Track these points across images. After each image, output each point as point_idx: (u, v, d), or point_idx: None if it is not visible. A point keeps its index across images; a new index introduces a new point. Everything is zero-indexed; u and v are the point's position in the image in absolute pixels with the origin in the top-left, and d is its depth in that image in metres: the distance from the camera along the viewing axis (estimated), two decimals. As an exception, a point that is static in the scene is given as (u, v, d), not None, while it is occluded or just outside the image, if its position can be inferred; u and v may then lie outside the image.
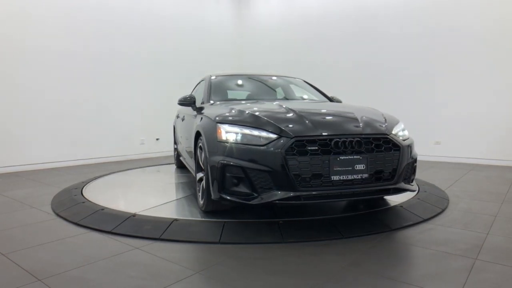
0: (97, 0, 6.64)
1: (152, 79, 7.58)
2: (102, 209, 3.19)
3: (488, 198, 3.80)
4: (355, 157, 2.57)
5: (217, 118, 2.95)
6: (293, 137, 2.59)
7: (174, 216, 2.95)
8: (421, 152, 6.96)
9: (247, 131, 2.74)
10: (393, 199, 3.45)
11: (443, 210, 3.28)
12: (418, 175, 5.06)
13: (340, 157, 2.55)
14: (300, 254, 2.32)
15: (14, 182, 4.84)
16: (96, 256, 2.28)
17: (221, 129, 2.81)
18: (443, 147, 6.77)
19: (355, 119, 2.89)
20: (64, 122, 6.27)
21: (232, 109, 3.13)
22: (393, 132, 2.88)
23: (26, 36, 5.77)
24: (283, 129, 2.65)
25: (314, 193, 2.53)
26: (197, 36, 8.49)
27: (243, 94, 4.27)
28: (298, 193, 2.51)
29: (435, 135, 6.86)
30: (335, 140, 2.59)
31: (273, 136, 2.64)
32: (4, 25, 5.55)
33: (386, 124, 2.95)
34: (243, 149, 2.67)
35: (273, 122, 2.75)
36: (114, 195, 3.90)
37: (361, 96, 7.66)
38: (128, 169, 5.65)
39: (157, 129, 7.60)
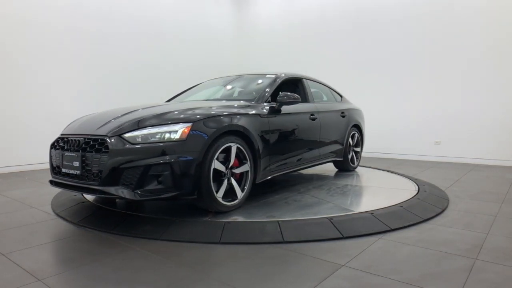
0: (96, 3, 6.64)
1: (151, 80, 7.57)
2: (102, 209, 3.19)
3: (488, 198, 3.80)
4: (72, 154, 2.90)
5: None
6: (61, 134, 3.20)
7: (174, 216, 2.95)
8: (421, 152, 7.01)
9: None
10: (393, 199, 3.44)
11: (443, 210, 3.28)
12: (419, 175, 5.06)
13: (66, 154, 2.96)
14: (299, 254, 2.32)
15: (14, 182, 4.84)
16: (96, 256, 2.28)
17: None
18: (443, 147, 6.77)
19: (108, 123, 2.98)
20: (64, 122, 6.25)
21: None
22: (127, 135, 2.75)
23: (27, 36, 5.77)
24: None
25: (55, 180, 3.06)
26: (197, 37, 8.48)
27: (215, 94, 4.56)
28: (51, 179, 3.14)
29: (435, 135, 6.87)
30: (69, 138, 3.03)
31: None
32: (4, 25, 5.55)
33: (123, 126, 2.82)
34: None
35: (85, 121, 3.26)
36: (114, 195, 3.89)
37: (361, 96, 7.66)
38: (128, 169, 5.65)
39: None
